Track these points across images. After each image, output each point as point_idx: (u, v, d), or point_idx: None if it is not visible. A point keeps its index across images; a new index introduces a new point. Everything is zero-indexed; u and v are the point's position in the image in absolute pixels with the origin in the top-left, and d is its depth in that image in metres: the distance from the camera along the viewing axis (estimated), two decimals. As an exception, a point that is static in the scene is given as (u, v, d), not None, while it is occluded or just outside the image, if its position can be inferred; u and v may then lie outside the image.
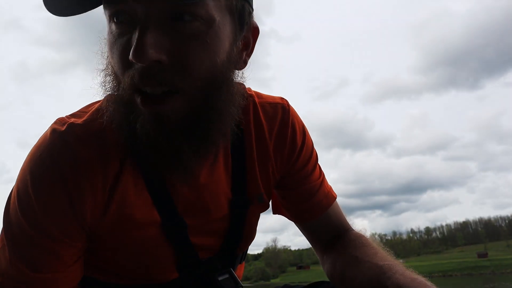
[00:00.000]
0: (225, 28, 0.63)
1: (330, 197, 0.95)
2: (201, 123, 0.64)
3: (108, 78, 0.66)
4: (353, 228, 0.97)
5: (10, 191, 0.72)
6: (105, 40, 0.66)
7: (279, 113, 0.86)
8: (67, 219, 0.67)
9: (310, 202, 0.92)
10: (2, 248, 0.69)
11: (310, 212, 0.92)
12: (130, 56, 0.56)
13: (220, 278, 0.82)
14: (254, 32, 0.73)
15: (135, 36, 0.57)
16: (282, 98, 0.90)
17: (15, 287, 0.68)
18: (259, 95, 0.88)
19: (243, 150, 0.82)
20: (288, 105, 0.89)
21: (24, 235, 0.67)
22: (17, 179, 0.70)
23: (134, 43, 0.56)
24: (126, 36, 0.60)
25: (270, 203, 0.93)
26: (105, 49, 0.67)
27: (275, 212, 1.00)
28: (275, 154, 0.86)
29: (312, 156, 0.93)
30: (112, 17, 0.60)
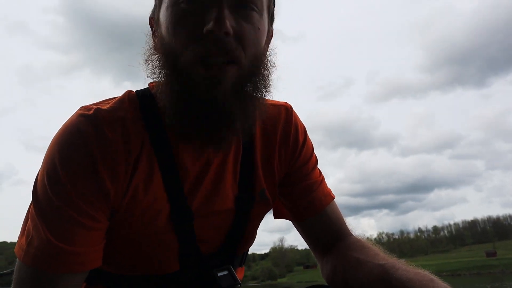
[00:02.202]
0: (266, 22, 0.77)
1: (329, 196, 0.98)
2: (247, 93, 0.73)
3: (155, 56, 0.75)
4: (353, 233, 0.98)
5: (36, 176, 0.76)
6: (155, 24, 0.77)
7: (283, 113, 0.93)
8: (94, 193, 0.71)
9: (309, 198, 0.94)
10: (34, 226, 0.72)
11: (309, 208, 0.94)
12: (210, 26, 0.66)
13: (219, 274, 0.84)
14: (271, 34, 0.84)
15: (212, 13, 0.68)
16: (285, 102, 0.96)
17: (49, 262, 0.70)
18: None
19: (253, 147, 0.87)
20: (291, 107, 0.95)
21: (54, 210, 0.70)
22: (43, 161, 0.74)
23: (215, 16, 0.67)
24: (196, 14, 0.69)
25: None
26: (150, 33, 0.77)
27: (276, 216, 1.02)
28: (279, 152, 0.91)
29: (312, 157, 0.97)
30: None
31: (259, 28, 0.73)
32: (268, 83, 0.77)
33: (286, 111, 0.93)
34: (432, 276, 0.70)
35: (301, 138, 0.94)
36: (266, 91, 0.77)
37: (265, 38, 0.77)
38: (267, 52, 0.80)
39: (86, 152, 0.71)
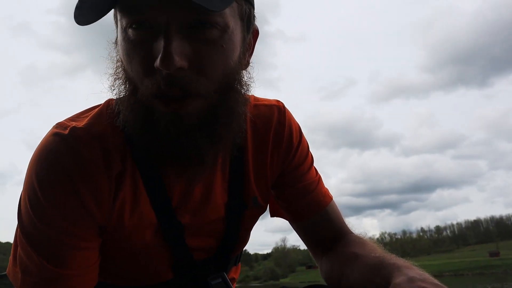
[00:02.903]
0: (237, 33, 0.68)
1: (327, 196, 0.96)
2: (218, 121, 0.67)
3: (118, 82, 0.69)
4: (353, 232, 0.96)
5: (19, 199, 0.74)
6: (115, 46, 0.71)
7: (275, 114, 0.88)
8: (78, 215, 0.70)
9: (306, 199, 0.92)
10: (27, 254, 0.71)
11: (307, 209, 0.92)
12: (158, 64, 0.59)
13: (213, 282, 0.83)
14: (255, 34, 0.77)
15: (160, 44, 0.60)
16: (277, 101, 0.92)
17: (44, 286, 0.70)
18: (255, 98, 0.90)
19: (241, 154, 0.83)
20: (284, 106, 0.91)
21: (43, 236, 0.69)
22: (24, 185, 0.72)
23: (162, 52, 0.59)
24: (147, 44, 0.62)
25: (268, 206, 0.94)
26: (115, 54, 0.71)
27: (272, 214, 1.01)
28: (272, 155, 0.87)
29: (307, 157, 0.95)
30: (131, 24, 0.62)
31: (223, 46, 0.65)
32: (245, 97, 0.73)
33: (278, 111, 0.89)
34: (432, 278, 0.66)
35: (295, 139, 0.90)
36: (244, 105, 0.73)
37: (236, 52, 0.69)
38: (244, 63, 0.73)
39: (64, 175, 0.69)
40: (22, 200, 0.72)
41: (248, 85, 0.73)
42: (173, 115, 0.64)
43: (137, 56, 0.63)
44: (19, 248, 0.72)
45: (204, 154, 0.67)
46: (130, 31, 0.63)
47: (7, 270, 0.77)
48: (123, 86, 0.68)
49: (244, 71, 0.73)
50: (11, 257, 0.76)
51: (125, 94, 0.68)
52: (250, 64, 0.75)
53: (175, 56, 0.59)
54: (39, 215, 0.69)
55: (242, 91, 0.71)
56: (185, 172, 0.71)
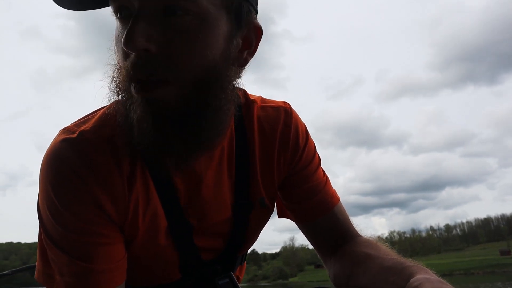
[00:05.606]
0: (219, 25, 0.64)
1: (335, 197, 0.95)
2: (193, 117, 0.65)
3: (116, 72, 0.69)
4: (361, 234, 0.95)
5: (37, 204, 0.75)
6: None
7: (282, 116, 0.89)
8: (97, 216, 0.71)
9: (313, 200, 0.92)
10: (57, 255, 0.72)
11: (314, 210, 0.92)
12: (121, 43, 0.59)
13: (220, 282, 0.84)
14: (257, 32, 0.73)
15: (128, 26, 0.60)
16: (284, 102, 0.92)
17: (85, 284, 0.71)
18: (262, 99, 0.90)
19: (247, 154, 0.84)
20: (291, 108, 0.92)
21: (68, 239, 0.71)
22: (39, 191, 0.73)
23: (125, 32, 0.59)
24: (121, 29, 0.63)
25: (275, 207, 0.95)
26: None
27: (280, 215, 1.01)
28: (278, 157, 0.87)
29: (314, 158, 0.95)
30: (116, 13, 0.64)
31: (198, 35, 0.62)
32: (231, 94, 0.70)
33: (285, 113, 0.89)
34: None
35: (301, 141, 0.90)
36: (229, 103, 0.70)
37: (218, 45, 0.65)
38: (236, 60, 0.70)
39: (78, 180, 0.69)
40: (41, 207, 0.73)
41: (236, 82, 0.71)
42: (142, 101, 0.63)
43: (118, 42, 0.64)
44: (48, 252, 0.74)
45: (175, 149, 0.65)
46: (116, 20, 0.65)
47: (35, 275, 0.78)
48: (117, 75, 0.68)
49: (234, 68, 0.70)
50: (39, 263, 0.78)
51: (116, 82, 0.68)
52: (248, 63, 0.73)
53: (138, 36, 0.59)
54: (61, 222, 0.70)
55: (227, 87, 0.68)
56: (163, 164, 0.69)
